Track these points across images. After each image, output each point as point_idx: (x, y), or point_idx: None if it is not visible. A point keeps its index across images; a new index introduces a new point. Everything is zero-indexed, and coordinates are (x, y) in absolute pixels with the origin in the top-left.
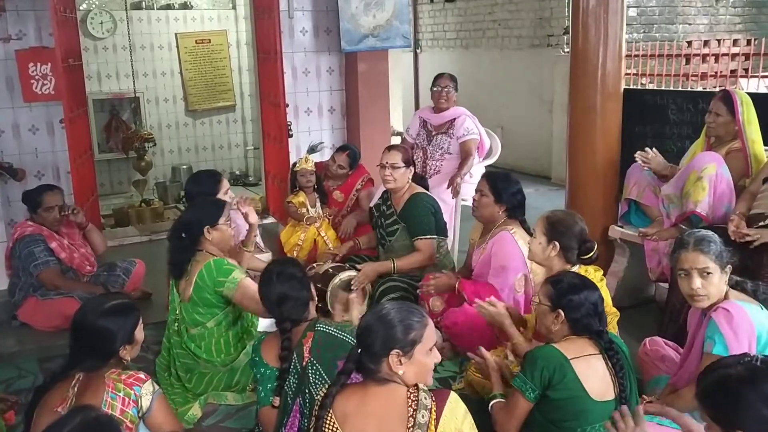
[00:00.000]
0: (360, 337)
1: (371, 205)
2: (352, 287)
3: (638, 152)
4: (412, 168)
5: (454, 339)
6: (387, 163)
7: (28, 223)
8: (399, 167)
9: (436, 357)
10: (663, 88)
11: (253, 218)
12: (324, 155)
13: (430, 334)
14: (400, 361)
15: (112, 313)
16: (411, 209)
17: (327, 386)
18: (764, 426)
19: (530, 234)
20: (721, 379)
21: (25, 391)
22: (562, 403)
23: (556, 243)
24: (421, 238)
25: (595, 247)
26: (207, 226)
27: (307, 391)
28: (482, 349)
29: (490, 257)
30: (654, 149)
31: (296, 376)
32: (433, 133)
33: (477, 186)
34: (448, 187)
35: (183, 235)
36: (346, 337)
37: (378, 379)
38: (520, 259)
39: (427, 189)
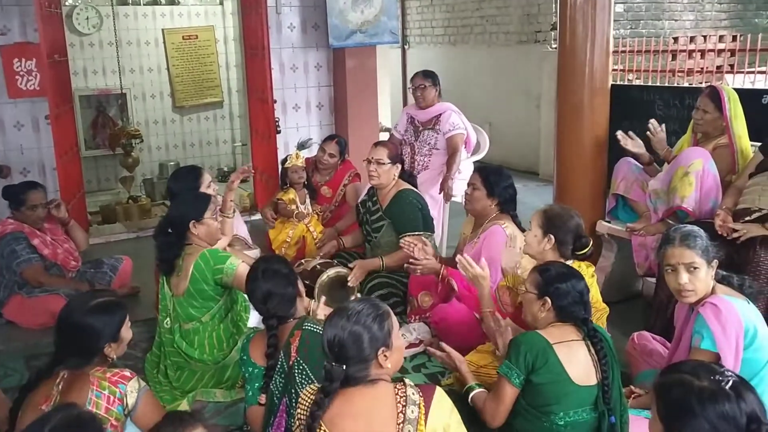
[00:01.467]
0: (339, 353)
1: (358, 201)
2: (349, 283)
3: (619, 132)
4: (399, 165)
5: (443, 334)
6: (372, 158)
7: (9, 221)
8: (384, 163)
9: (402, 333)
10: (650, 84)
11: (234, 185)
12: (312, 151)
13: (393, 316)
14: (386, 355)
15: (98, 311)
16: (397, 206)
17: (311, 400)
18: None
19: (521, 229)
20: (683, 383)
21: (11, 389)
22: (545, 388)
23: (552, 236)
24: (407, 235)
25: (590, 243)
26: (193, 221)
27: (293, 390)
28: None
29: (481, 250)
30: (663, 126)
31: (283, 376)
32: (420, 128)
33: (469, 180)
34: (440, 192)
35: (169, 230)
36: None
37: (365, 381)
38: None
39: (416, 186)
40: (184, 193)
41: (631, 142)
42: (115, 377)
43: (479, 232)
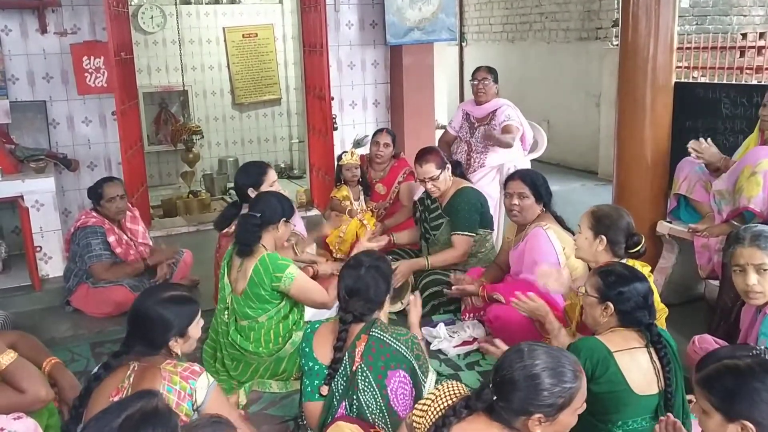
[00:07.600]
0: (499, 384)
1: (415, 198)
2: (393, 285)
3: (692, 142)
4: (448, 165)
5: (497, 333)
6: (426, 178)
7: (93, 213)
8: (437, 177)
9: (582, 408)
10: (716, 81)
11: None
12: (368, 149)
13: (581, 394)
14: (540, 422)
15: (170, 303)
16: (456, 204)
17: (452, 398)
18: None
19: (564, 227)
20: (730, 368)
21: (77, 374)
22: (605, 396)
23: (603, 237)
24: (458, 234)
25: (643, 240)
26: (284, 219)
27: (354, 397)
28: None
29: (524, 252)
30: (709, 140)
31: (345, 379)
32: (476, 125)
33: (511, 190)
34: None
35: (259, 217)
36: (400, 347)
37: (508, 426)
38: (553, 255)
39: (464, 176)
40: (276, 193)
41: (708, 153)
42: (186, 372)
43: (523, 235)
